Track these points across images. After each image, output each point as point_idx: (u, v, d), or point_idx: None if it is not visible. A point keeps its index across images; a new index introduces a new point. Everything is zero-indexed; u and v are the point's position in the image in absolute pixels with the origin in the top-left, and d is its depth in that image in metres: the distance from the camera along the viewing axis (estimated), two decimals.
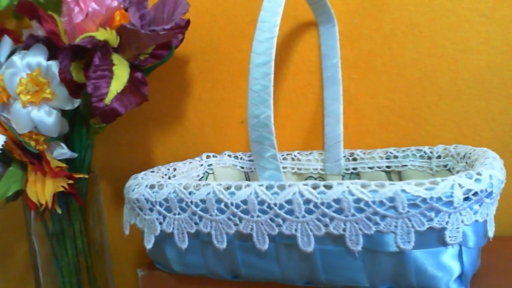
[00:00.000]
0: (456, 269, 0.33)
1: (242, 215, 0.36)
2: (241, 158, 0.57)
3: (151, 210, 0.40)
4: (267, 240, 0.36)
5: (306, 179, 0.54)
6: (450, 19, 0.50)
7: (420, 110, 0.52)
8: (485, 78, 0.50)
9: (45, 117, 0.49)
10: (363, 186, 0.32)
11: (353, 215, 0.32)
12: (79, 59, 0.47)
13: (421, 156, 0.48)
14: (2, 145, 0.47)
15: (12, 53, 0.51)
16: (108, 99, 0.44)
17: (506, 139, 0.50)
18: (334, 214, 0.33)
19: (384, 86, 0.54)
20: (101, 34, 0.45)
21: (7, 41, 0.51)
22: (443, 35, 0.51)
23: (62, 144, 0.51)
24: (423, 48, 0.52)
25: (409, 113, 0.53)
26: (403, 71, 0.53)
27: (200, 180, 0.54)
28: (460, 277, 0.34)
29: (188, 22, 0.51)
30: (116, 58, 0.45)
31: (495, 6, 0.49)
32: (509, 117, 0.50)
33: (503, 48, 0.49)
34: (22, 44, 0.50)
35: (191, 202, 0.38)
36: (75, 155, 0.52)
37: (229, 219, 0.37)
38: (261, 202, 0.35)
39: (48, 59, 0.48)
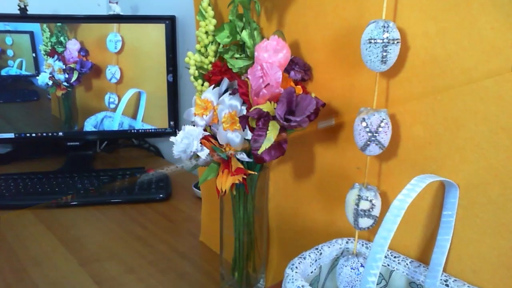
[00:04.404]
0: None
1: None
2: None
3: None
4: None
5: None
6: None
7: None
8: None
9: (235, 138, 0.69)
10: None
11: None
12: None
13: None
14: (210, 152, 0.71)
15: (227, 89, 0.72)
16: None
17: None
18: None
19: None
20: (267, 107, 0.60)
21: (225, 81, 0.72)
22: None
23: (244, 153, 0.72)
24: None
25: None
26: None
27: None
28: None
29: (317, 110, 0.61)
30: (272, 124, 0.61)
31: None
32: None
33: None
34: (234, 81, 0.70)
35: None
36: (250, 160, 0.73)
37: None
38: None
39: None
